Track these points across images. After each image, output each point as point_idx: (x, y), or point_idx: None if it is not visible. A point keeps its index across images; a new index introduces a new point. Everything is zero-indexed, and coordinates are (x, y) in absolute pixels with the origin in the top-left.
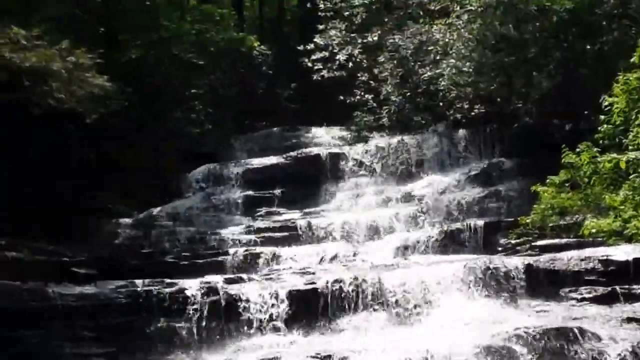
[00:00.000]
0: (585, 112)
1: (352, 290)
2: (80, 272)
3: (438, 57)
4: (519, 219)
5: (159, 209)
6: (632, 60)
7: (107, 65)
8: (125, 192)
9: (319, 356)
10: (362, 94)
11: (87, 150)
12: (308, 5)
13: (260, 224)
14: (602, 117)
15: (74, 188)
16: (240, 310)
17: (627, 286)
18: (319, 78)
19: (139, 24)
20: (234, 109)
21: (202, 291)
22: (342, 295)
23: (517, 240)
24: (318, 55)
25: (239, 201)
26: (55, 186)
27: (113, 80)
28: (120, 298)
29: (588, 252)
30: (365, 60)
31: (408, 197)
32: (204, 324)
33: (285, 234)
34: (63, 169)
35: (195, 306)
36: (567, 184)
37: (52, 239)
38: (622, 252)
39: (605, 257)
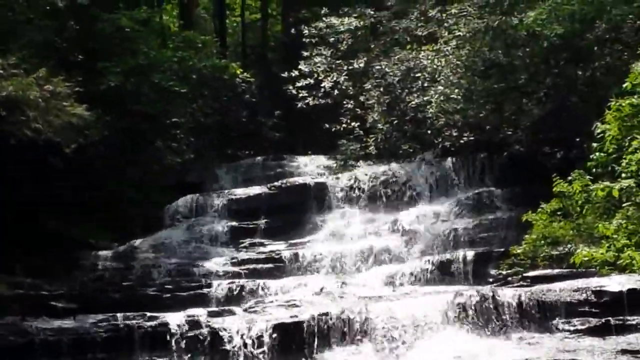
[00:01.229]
0: (577, 140)
1: (339, 324)
2: (59, 305)
3: (426, 84)
4: (510, 249)
5: (140, 240)
6: (624, 86)
7: (85, 93)
8: (106, 223)
9: None
10: (348, 121)
11: (68, 181)
12: (292, 31)
13: (244, 255)
14: (595, 144)
15: (55, 219)
16: (224, 344)
17: (621, 317)
18: (304, 106)
19: (118, 51)
20: (216, 137)
21: (185, 325)
22: (328, 329)
23: (508, 271)
24: (303, 82)
25: (223, 232)
26: (37, 217)
27: (92, 109)
28: (101, 332)
29: (581, 282)
30: (351, 88)
31: (396, 228)
32: (187, 358)
33: (270, 265)
34: (44, 202)
35: (178, 340)
36: (559, 213)
37: (31, 272)
38: (615, 283)
39: (598, 288)
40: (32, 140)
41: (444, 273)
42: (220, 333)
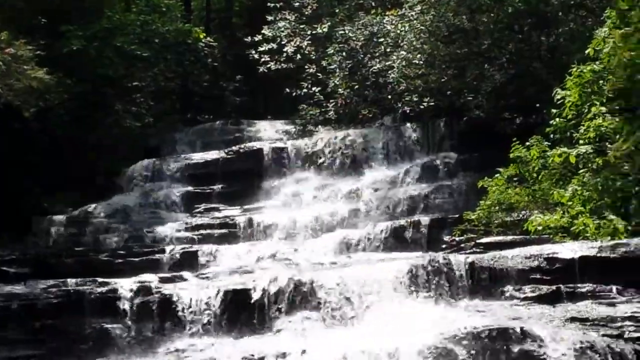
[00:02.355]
0: (538, 106)
1: (290, 290)
2: (11, 271)
3: (389, 49)
4: (464, 214)
5: (94, 205)
6: (587, 52)
7: (47, 57)
8: (62, 188)
9: (253, 357)
10: (309, 86)
11: (24, 144)
12: None
13: (198, 220)
14: (554, 110)
15: (8, 183)
16: (175, 310)
17: (572, 285)
18: (266, 70)
19: (81, 15)
20: (177, 102)
21: (135, 291)
22: (280, 296)
23: (462, 238)
24: (265, 47)
25: (178, 197)
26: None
27: (53, 72)
28: (51, 298)
29: (533, 249)
30: (313, 52)
31: (352, 193)
32: (136, 324)
33: (225, 231)
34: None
35: (127, 306)
36: (515, 179)
37: None
38: (568, 250)
39: (550, 255)
40: None
41: (397, 239)
42: (171, 299)
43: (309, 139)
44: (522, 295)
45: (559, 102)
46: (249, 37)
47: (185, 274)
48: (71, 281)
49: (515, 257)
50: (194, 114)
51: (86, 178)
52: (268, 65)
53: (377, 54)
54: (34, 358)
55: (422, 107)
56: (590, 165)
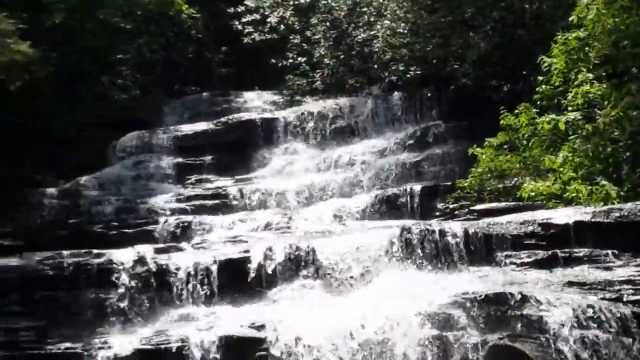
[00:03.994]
0: (524, 73)
1: (285, 259)
2: (5, 244)
3: (372, 19)
4: (456, 182)
5: (86, 177)
6: (570, 19)
7: (30, 30)
8: (51, 161)
9: (252, 326)
10: (295, 57)
11: (11, 118)
12: None
13: (190, 191)
14: (541, 78)
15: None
16: (171, 280)
17: (567, 250)
18: (250, 41)
19: None
20: (162, 74)
21: (131, 262)
22: (275, 265)
23: (455, 205)
24: (249, 17)
25: (169, 169)
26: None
27: (37, 45)
28: (47, 270)
29: (527, 215)
30: (297, 23)
31: (343, 162)
32: (133, 295)
33: (217, 201)
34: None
35: (124, 277)
36: (505, 147)
37: None
38: (562, 215)
39: (545, 221)
40: None
41: (390, 208)
42: (168, 269)
43: (297, 109)
44: (519, 261)
45: (545, 70)
46: (232, 8)
47: (180, 244)
48: (66, 253)
49: (509, 223)
50: (180, 86)
51: (75, 151)
52: (252, 37)
53: (361, 24)
54: (34, 329)
55: (408, 76)
56: (580, 131)
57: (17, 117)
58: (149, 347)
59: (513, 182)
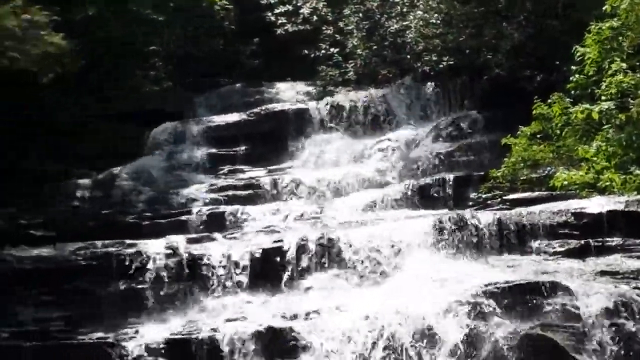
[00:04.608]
0: (557, 63)
1: (318, 249)
2: (37, 234)
3: (405, 9)
4: (489, 172)
5: (119, 168)
6: (604, 9)
7: (63, 22)
8: (85, 153)
9: (285, 316)
10: (327, 47)
11: (46, 111)
12: None
13: (223, 182)
14: (574, 67)
15: (34, 150)
16: (204, 270)
17: (600, 239)
18: (283, 32)
19: None
20: (193, 65)
21: (164, 252)
22: (308, 255)
23: (488, 195)
24: (281, 8)
25: (202, 160)
26: (14, 148)
27: (69, 38)
28: (80, 260)
29: (561, 205)
30: (330, 14)
31: (376, 153)
32: (166, 285)
33: (250, 192)
34: (23, 131)
35: (157, 267)
36: (538, 136)
37: (10, 203)
38: (595, 205)
39: (578, 210)
40: (6, 74)
41: (423, 197)
42: (200, 260)
43: (330, 99)
44: (551, 250)
45: (579, 59)
46: (265, 0)
47: (213, 234)
48: (99, 243)
49: (542, 213)
50: (212, 77)
51: (107, 143)
52: (285, 28)
53: (394, 14)
54: (65, 319)
55: (441, 66)
56: (613, 121)
57: (52, 111)
58: (180, 337)
59: (546, 172)
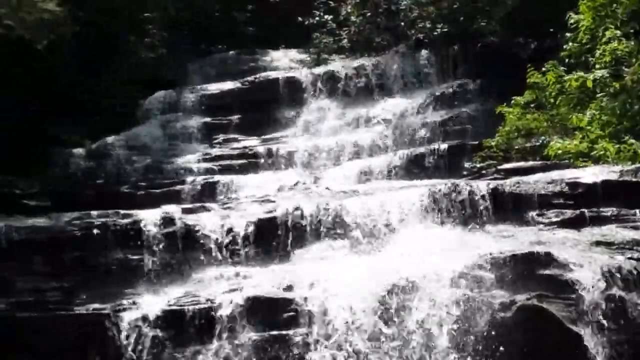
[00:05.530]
0: (551, 30)
1: (313, 219)
2: (31, 203)
3: None
4: (483, 141)
5: (113, 137)
6: None
7: None
8: (78, 121)
9: (280, 286)
10: (322, 14)
11: (38, 77)
12: None
13: (217, 151)
14: (568, 35)
15: (24, 117)
16: (199, 240)
17: (595, 209)
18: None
19: None
20: (189, 32)
21: (159, 222)
22: (303, 224)
23: (482, 164)
24: None
25: (196, 128)
26: (3, 116)
27: (64, 4)
28: (75, 231)
29: (555, 174)
30: None
31: (370, 121)
32: (161, 256)
33: (244, 161)
34: (12, 99)
35: (152, 237)
36: (532, 105)
37: (3, 170)
38: (590, 174)
39: (572, 180)
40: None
41: (417, 167)
42: (195, 229)
43: (324, 67)
44: (546, 220)
45: (572, 27)
46: None
47: (208, 204)
48: (94, 213)
49: (537, 182)
50: (206, 44)
51: (102, 111)
52: None
53: None
54: (62, 290)
55: (435, 33)
56: (607, 89)
57: (44, 77)
58: (177, 307)
59: (540, 141)
